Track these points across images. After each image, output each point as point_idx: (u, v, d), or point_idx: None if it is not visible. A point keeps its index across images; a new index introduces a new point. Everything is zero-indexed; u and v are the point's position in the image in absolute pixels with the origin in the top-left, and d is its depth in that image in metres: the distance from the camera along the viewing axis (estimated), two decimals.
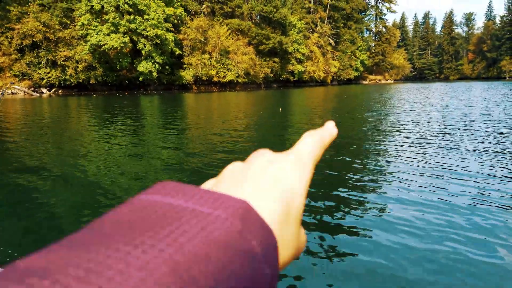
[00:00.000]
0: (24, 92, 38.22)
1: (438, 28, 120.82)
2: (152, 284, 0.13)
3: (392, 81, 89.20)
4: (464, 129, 8.77)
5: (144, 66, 40.51)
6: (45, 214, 3.78)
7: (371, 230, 3.21)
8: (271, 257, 0.19)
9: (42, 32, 38.22)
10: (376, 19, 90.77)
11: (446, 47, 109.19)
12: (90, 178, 5.09)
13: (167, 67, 43.70)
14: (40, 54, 38.93)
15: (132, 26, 39.00)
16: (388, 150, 6.65)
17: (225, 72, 47.19)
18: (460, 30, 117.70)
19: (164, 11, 41.23)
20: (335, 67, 68.15)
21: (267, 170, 0.24)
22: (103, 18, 39.37)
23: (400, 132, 8.73)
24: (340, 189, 4.35)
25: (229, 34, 48.70)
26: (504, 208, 3.64)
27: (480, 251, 2.78)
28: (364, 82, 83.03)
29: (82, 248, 0.14)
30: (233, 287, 0.16)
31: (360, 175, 4.98)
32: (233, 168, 0.26)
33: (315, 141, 0.28)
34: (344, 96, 28.22)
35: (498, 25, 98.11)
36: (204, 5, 49.80)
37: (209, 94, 36.09)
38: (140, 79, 41.88)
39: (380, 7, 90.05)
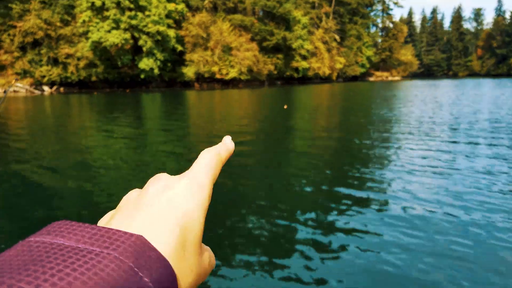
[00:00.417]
0: (26, 89, 38.12)
1: (446, 23, 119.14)
2: None
3: (399, 78, 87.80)
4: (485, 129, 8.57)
5: (145, 63, 40.10)
6: (45, 208, 3.91)
7: (375, 228, 3.27)
8: None
9: (43, 29, 38.04)
10: (382, 14, 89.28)
11: (455, 43, 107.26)
12: (92, 175, 5.26)
13: (169, 64, 43.24)
14: (42, 51, 38.79)
15: (133, 22, 38.59)
16: (399, 149, 6.55)
17: (227, 69, 46.54)
18: (469, 26, 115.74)
19: (165, 7, 40.71)
20: (341, 63, 67.08)
21: (162, 197, 0.24)
22: (104, 15, 38.99)
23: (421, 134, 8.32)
24: (342, 188, 4.43)
25: (232, 30, 47.97)
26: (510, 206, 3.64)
27: (481, 250, 2.80)
28: (371, 79, 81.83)
29: None
30: None
31: (363, 175, 5.02)
32: (129, 198, 0.25)
33: (212, 158, 0.27)
34: (351, 94, 27.87)
35: (508, 21, 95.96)
36: (206, 1, 49.13)
37: (211, 92, 35.64)
38: (142, 76, 41.49)
39: (387, 2, 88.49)
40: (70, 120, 13.07)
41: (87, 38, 38.85)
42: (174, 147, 7.51)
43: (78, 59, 39.75)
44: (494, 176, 4.71)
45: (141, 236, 0.20)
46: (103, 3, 38.37)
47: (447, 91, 26.08)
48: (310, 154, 6.46)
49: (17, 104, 20.60)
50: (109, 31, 38.16)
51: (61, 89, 40.83)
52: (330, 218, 3.53)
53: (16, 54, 38.24)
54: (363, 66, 76.08)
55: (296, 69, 57.31)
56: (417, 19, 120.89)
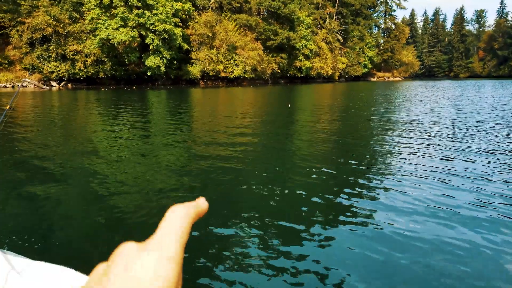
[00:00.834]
0: (34, 85, 38.75)
1: (448, 25, 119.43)
2: None
3: (400, 78, 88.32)
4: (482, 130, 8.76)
5: (152, 61, 40.72)
6: (52, 204, 3.90)
7: (375, 228, 3.27)
8: None
9: (52, 26, 38.56)
10: (385, 15, 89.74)
11: (456, 45, 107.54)
12: (98, 170, 5.23)
13: (175, 62, 43.84)
14: (50, 47, 39.32)
15: (141, 20, 39.19)
16: (397, 149, 6.67)
17: (232, 68, 47.20)
18: (471, 27, 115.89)
19: (172, 6, 41.32)
20: (343, 63, 67.69)
21: (130, 272, 0.23)
22: (112, 13, 39.61)
23: (413, 130, 8.76)
24: (342, 188, 4.39)
25: (237, 29, 48.60)
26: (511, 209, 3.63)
27: (482, 252, 2.80)
28: (372, 79, 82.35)
29: None
30: None
31: (364, 175, 5.01)
32: (97, 271, 0.25)
33: (182, 221, 0.27)
34: (352, 93, 28.23)
35: (510, 22, 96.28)
36: (212, 0, 49.72)
37: (216, 90, 36.20)
38: (148, 73, 42.10)
39: (389, 3, 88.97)
40: (78, 114, 13.38)
41: (95, 35, 39.44)
42: (180, 137, 7.91)
43: (86, 55, 40.36)
44: (494, 176, 4.73)
45: None
46: (111, 1, 38.97)
47: (447, 91, 26.45)
48: (310, 155, 6.42)
49: (25, 99, 21.03)
50: (117, 29, 38.76)
51: (69, 85, 41.47)
52: (330, 218, 3.54)
53: (24, 49, 38.77)
54: (365, 66, 76.62)
55: (299, 69, 57.93)
56: (419, 20, 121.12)
